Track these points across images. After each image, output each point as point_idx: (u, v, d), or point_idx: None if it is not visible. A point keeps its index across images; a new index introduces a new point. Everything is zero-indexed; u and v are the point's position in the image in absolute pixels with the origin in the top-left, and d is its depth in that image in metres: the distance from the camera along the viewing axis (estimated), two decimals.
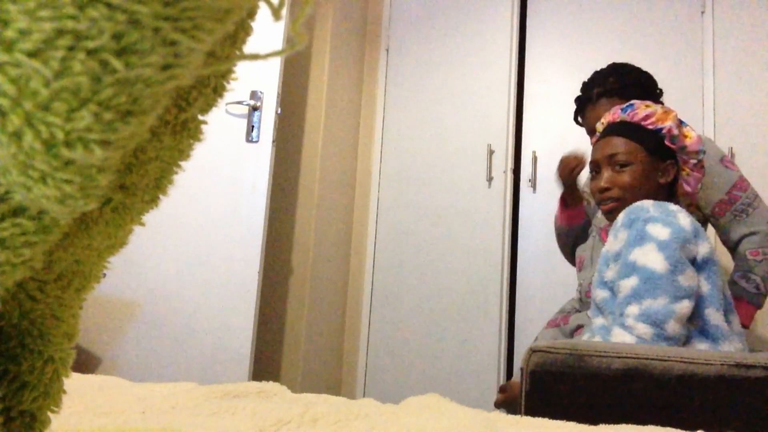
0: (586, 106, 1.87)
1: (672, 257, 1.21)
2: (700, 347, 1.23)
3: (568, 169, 1.85)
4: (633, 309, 1.20)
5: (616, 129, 1.45)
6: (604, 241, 1.73)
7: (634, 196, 1.39)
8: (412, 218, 2.88)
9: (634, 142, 1.41)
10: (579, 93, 1.92)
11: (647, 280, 1.21)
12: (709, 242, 1.29)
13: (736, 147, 2.47)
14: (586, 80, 1.89)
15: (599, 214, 1.83)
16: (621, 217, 1.33)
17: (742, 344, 1.27)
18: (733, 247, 1.76)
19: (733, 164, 1.78)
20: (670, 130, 1.41)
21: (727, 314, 1.28)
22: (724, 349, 1.23)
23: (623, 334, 1.20)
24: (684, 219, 1.27)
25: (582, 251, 1.84)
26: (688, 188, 1.45)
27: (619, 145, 1.42)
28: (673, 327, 1.18)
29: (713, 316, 1.24)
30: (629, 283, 1.23)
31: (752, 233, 1.71)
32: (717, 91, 2.54)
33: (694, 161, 1.43)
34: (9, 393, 0.36)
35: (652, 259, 1.22)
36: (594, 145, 1.52)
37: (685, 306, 1.19)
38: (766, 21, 2.54)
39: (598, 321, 1.33)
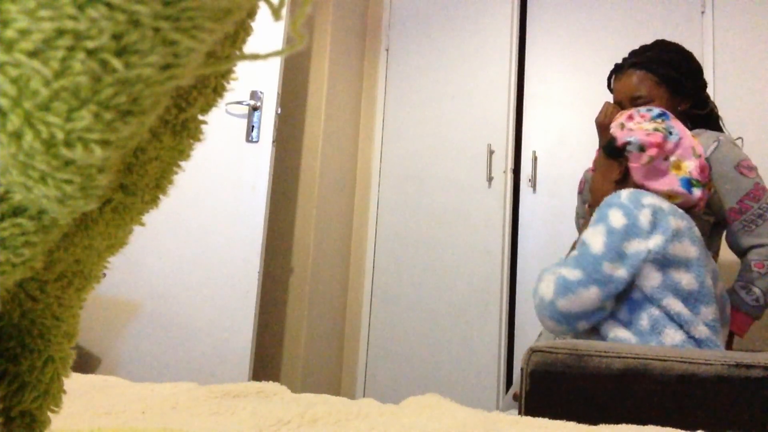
0: (615, 75, 1.84)
1: (611, 245, 1.31)
2: (668, 332, 1.26)
3: (602, 121, 1.81)
4: (561, 270, 1.36)
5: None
6: None
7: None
8: (412, 218, 2.88)
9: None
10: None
11: (580, 256, 1.34)
12: (665, 233, 1.31)
13: None
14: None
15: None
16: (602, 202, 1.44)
17: (711, 332, 1.29)
18: (741, 257, 1.72)
19: (750, 170, 1.71)
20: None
21: (698, 305, 1.31)
22: (692, 334, 1.27)
23: (545, 283, 1.36)
24: (645, 215, 1.32)
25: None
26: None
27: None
28: (564, 304, 1.30)
29: (671, 303, 1.29)
30: (572, 253, 1.40)
31: (760, 245, 1.66)
32: (717, 90, 2.54)
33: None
34: (9, 393, 0.36)
35: (595, 240, 1.34)
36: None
37: (592, 292, 1.29)
38: (766, 21, 2.54)
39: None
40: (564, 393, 1.09)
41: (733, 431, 0.96)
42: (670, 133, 1.44)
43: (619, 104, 1.80)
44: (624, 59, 1.84)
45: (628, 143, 1.46)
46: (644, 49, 1.82)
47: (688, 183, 1.43)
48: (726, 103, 2.53)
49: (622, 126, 1.49)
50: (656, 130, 1.44)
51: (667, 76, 1.74)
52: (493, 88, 2.81)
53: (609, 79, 1.89)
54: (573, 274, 1.32)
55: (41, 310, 0.36)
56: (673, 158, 1.44)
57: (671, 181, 1.43)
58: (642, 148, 1.44)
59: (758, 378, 1.02)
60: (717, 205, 1.72)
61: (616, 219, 1.34)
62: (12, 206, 0.26)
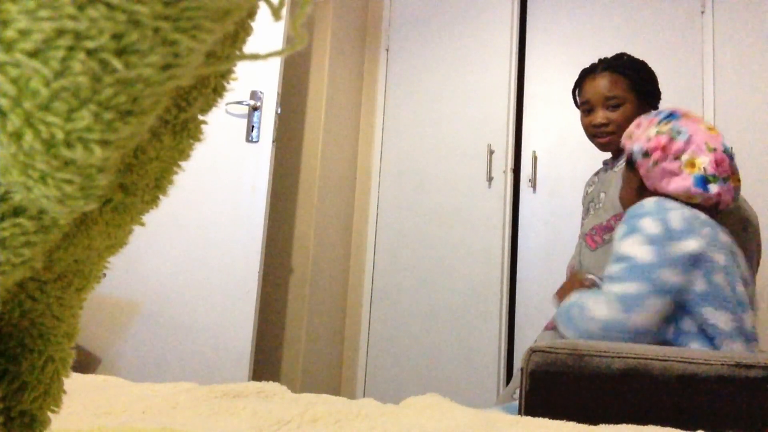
0: (585, 78, 1.85)
1: (659, 252, 1.27)
2: (693, 346, 1.23)
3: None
4: (614, 287, 1.28)
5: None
6: (590, 246, 1.72)
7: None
8: (412, 218, 2.88)
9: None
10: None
11: (631, 268, 1.27)
12: (703, 238, 1.29)
13: (736, 147, 2.46)
14: None
15: (585, 221, 1.83)
16: (625, 215, 1.40)
17: (744, 345, 1.26)
18: None
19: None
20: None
21: (736, 312, 1.27)
22: (722, 349, 1.23)
23: (597, 303, 1.28)
24: (676, 216, 1.31)
25: (572, 259, 1.83)
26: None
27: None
28: (639, 319, 1.23)
29: (711, 314, 1.25)
30: (614, 269, 1.32)
31: None
32: (717, 91, 2.54)
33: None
34: (9, 393, 0.36)
35: (638, 250, 1.29)
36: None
37: (658, 303, 1.24)
38: (766, 21, 2.54)
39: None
40: (564, 393, 1.09)
41: (733, 431, 0.96)
42: (678, 132, 1.42)
43: (587, 104, 1.81)
44: (594, 64, 1.86)
45: (632, 152, 1.47)
46: (614, 57, 1.85)
47: (703, 180, 1.40)
48: (726, 102, 2.53)
49: (630, 135, 1.49)
50: (659, 133, 1.43)
51: (638, 83, 1.77)
52: (493, 88, 2.81)
53: (576, 85, 1.89)
54: (632, 287, 1.25)
55: (41, 310, 0.36)
56: (685, 157, 1.41)
57: (685, 181, 1.40)
58: (646, 154, 1.44)
59: (758, 378, 1.02)
60: None
61: (651, 226, 1.30)
62: (12, 206, 0.26)
